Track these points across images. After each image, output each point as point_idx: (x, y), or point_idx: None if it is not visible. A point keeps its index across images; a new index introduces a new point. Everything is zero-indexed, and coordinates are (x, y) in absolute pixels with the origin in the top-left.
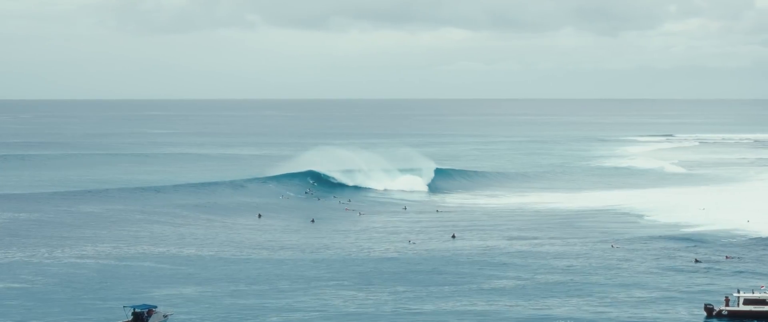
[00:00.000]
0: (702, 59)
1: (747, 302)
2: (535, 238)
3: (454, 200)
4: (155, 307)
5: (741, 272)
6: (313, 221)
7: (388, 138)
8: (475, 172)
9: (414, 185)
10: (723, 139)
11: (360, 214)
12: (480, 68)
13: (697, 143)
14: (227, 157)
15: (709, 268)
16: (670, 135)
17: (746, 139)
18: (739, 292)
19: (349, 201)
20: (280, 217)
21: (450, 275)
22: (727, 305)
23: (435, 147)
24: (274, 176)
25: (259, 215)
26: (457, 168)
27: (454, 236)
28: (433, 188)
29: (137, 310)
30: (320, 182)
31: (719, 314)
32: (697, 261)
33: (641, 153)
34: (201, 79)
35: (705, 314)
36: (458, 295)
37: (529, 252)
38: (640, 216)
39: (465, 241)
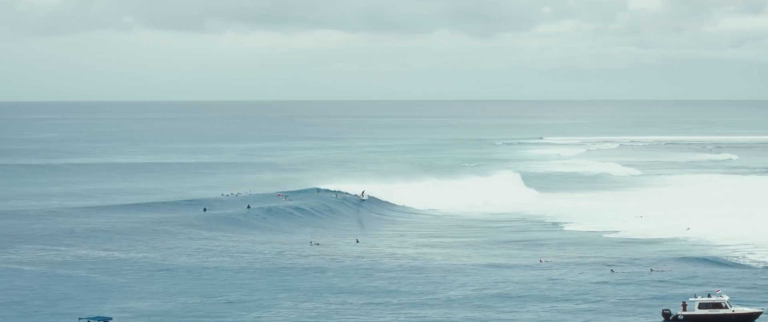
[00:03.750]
0: (577, 61)
1: (703, 306)
2: (458, 246)
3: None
4: (110, 319)
5: (683, 282)
6: (248, 207)
7: (280, 141)
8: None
9: None
10: (632, 141)
11: (286, 198)
12: (356, 69)
13: (616, 146)
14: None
15: (650, 278)
16: (583, 137)
17: (658, 141)
18: (695, 297)
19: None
20: (224, 225)
21: (385, 285)
22: (684, 309)
23: (332, 150)
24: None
25: (204, 209)
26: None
27: (357, 241)
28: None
29: None
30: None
31: (675, 319)
32: (612, 271)
33: (564, 156)
34: (77, 81)
35: (662, 319)
36: (408, 306)
37: (458, 261)
38: (567, 223)
39: (372, 247)
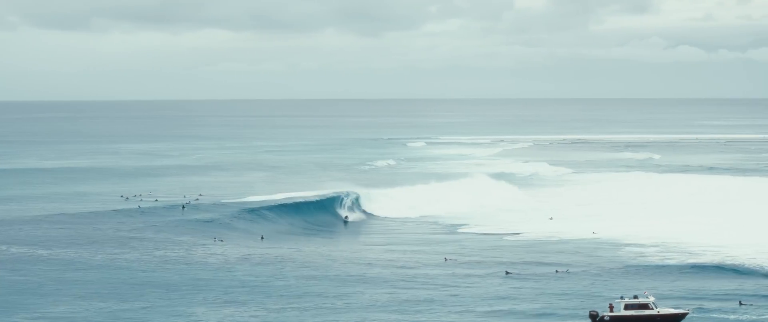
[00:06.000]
0: (466, 59)
1: (629, 306)
2: (360, 248)
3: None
4: None
5: (602, 284)
6: (183, 208)
7: (178, 141)
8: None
9: None
10: (535, 141)
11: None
12: (244, 69)
13: (530, 144)
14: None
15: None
16: (490, 137)
17: (564, 139)
18: (622, 298)
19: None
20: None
21: (297, 287)
22: (611, 311)
23: (233, 151)
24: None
25: (183, 206)
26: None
27: (262, 238)
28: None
29: None
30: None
31: (602, 320)
32: (507, 273)
33: (481, 156)
34: None
35: (590, 320)
36: (324, 311)
37: (367, 264)
38: (467, 225)
39: (275, 246)
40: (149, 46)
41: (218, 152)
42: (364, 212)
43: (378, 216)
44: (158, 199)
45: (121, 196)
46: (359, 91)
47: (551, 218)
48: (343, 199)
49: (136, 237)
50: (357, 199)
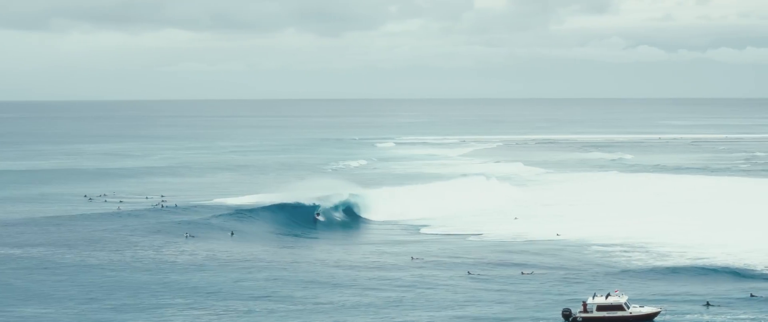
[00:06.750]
0: (426, 59)
1: (600, 308)
2: (328, 248)
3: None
4: None
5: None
6: (162, 205)
7: (141, 141)
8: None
9: None
10: (502, 141)
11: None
12: (204, 69)
13: (498, 144)
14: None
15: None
16: (456, 137)
17: (529, 140)
18: (594, 297)
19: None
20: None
21: (266, 288)
22: (584, 310)
23: (197, 151)
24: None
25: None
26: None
27: (232, 234)
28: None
29: None
30: None
31: (574, 320)
32: (469, 273)
33: (451, 156)
34: None
35: (563, 319)
36: (295, 312)
37: (335, 264)
38: (435, 226)
39: (245, 246)
40: (109, 47)
41: (182, 153)
42: (336, 211)
43: (351, 216)
44: (123, 200)
45: (85, 196)
46: (319, 91)
47: (516, 218)
48: (314, 199)
49: (105, 237)
50: (329, 199)
